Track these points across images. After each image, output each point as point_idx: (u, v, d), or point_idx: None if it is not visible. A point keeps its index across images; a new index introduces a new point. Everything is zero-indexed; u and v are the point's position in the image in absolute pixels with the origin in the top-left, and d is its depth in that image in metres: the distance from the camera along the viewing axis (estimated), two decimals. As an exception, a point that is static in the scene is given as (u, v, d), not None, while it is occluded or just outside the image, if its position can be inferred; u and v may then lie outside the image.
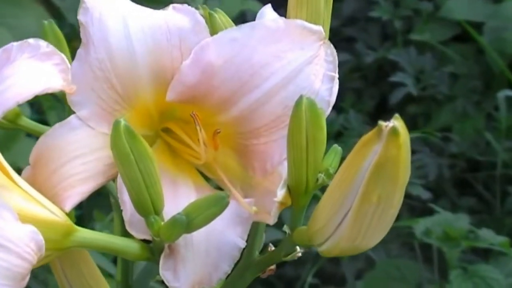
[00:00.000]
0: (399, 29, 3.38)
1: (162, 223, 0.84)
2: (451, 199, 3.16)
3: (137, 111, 0.96)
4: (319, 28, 0.93)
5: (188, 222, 0.82)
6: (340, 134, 3.18)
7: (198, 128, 0.93)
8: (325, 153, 0.89)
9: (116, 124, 0.81)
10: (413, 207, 3.05)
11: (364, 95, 3.47)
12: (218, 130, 0.94)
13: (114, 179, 0.95)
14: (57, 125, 0.93)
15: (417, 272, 2.64)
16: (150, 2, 1.15)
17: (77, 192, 0.91)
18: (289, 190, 0.87)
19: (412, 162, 3.24)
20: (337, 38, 3.59)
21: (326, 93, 0.93)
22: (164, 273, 0.88)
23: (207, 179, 1.00)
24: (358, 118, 3.22)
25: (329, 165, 0.87)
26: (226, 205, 0.82)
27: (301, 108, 0.83)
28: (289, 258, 0.93)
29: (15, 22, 2.59)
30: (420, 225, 2.52)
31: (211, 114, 0.96)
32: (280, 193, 0.87)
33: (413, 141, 3.01)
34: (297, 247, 0.92)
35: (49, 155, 0.92)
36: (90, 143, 0.93)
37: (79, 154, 0.92)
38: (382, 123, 0.72)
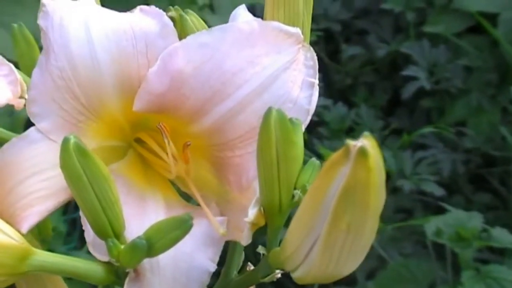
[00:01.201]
0: (411, 22, 3.29)
1: (122, 247, 0.77)
2: (466, 195, 3.08)
3: (105, 121, 0.89)
4: (296, 30, 0.86)
5: (148, 246, 0.75)
6: (352, 130, 3.11)
7: (166, 140, 0.86)
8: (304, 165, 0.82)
9: (65, 142, 0.75)
10: (427, 204, 2.97)
11: (376, 89, 3.39)
12: (188, 143, 0.87)
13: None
14: (14, 139, 0.87)
15: (430, 272, 2.56)
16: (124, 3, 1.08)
17: (35, 211, 0.84)
18: (263, 209, 0.80)
19: (425, 158, 3.17)
20: (349, 31, 3.52)
21: (304, 101, 0.86)
22: (129, 299, 0.81)
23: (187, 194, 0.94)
24: (370, 113, 3.14)
25: (306, 181, 0.80)
26: (189, 228, 0.76)
27: (270, 122, 0.76)
28: (267, 279, 0.86)
29: (13, 20, 2.51)
30: (431, 225, 2.44)
31: (182, 125, 0.89)
32: (252, 212, 0.80)
33: (426, 136, 2.94)
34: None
35: (5, 172, 0.85)
36: (51, 157, 0.86)
37: (39, 170, 0.85)
38: (349, 142, 0.65)
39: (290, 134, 0.76)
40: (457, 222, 2.38)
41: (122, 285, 0.84)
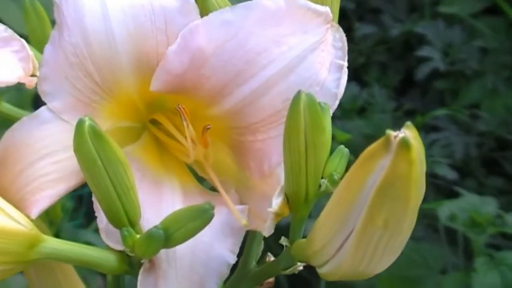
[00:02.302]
0: (427, 1, 3.22)
1: (138, 236, 0.72)
2: (478, 179, 3.03)
3: (119, 101, 0.85)
4: (325, 9, 0.81)
5: (166, 236, 0.71)
6: (364, 110, 3.05)
7: (185, 123, 0.81)
8: (331, 153, 0.77)
9: (79, 124, 0.70)
10: (439, 187, 2.92)
11: (389, 69, 3.33)
12: (208, 126, 0.82)
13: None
14: (24, 118, 0.82)
15: (441, 257, 2.51)
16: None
17: (46, 196, 0.80)
18: (287, 198, 0.75)
19: (438, 140, 3.12)
20: (362, 9, 3.45)
21: (333, 85, 0.80)
22: (143, 291, 0.77)
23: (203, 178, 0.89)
24: (382, 93, 3.08)
25: (334, 170, 0.75)
26: (209, 218, 0.71)
27: (299, 107, 0.71)
28: (288, 272, 0.82)
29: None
30: (444, 209, 2.39)
31: (201, 107, 0.84)
32: (276, 202, 0.75)
33: (439, 118, 2.88)
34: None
35: (15, 154, 0.80)
36: (63, 139, 0.81)
37: (50, 152, 0.81)
38: (390, 132, 0.60)
39: (320, 119, 0.71)
40: (471, 207, 2.33)
41: (135, 275, 0.79)
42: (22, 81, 0.70)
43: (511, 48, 3.12)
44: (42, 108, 0.82)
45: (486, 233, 2.28)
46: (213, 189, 0.87)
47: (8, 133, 0.81)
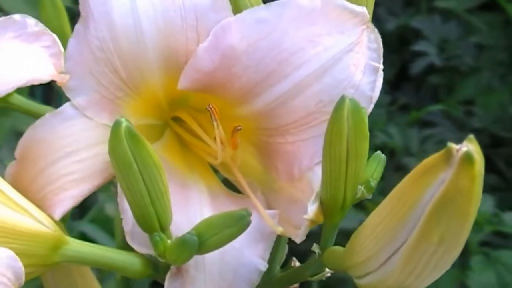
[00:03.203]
0: (423, -5, 3.21)
1: (169, 241, 0.70)
2: (471, 176, 3.01)
3: (143, 98, 0.82)
4: (362, 9, 0.78)
5: (199, 243, 0.68)
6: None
7: (215, 124, 0.78)
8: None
9: (116, 126, 0.67)
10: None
11: (384, 62, 3.28)
12: (239, 127, 0.79)
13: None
14: (48, 114, 0.79)
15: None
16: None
17: (69, 196, 0.77)
18: (322, 204, 0.73)
19: (432, 136, 3.11)
20: (357, 1, 3.43)
21: (367, 87, 0.78)
22: (171, 297, 0.74)
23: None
24: (376, 87, 3.06)
25: (371, 176, 0.73)
26: (246, 226, 0.68)
27: (343, 112, 0.69)
28: (316, 278, 0.80)
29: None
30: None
31: (229, 106, 0.81)
32: (311, 209, 0.73)
33: (433, 113, 2.86)
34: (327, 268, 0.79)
35: (37, 151, 0.77)
36: (87, 136, 0.79)
37: (73, 150, 0.78)
38: (452, 146, 0.57)
39: (364, 126, 0.69)
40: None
41: (160, 279, 0.77)
42: (54, 78, 0.67)
43: (507, 45, 3.11)
44: (66, 105, 0.79)
45: (482, 231, 2.27)
46: (236, 190, 0.85)
47: (30, 130, 0.78)
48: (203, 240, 0.68)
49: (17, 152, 0.78)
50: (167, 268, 0.75)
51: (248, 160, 0.84)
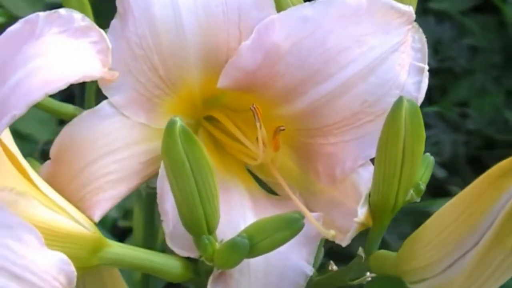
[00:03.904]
0: (417, -4, 3.19)
1: (217, 245, 0.68)
2: (465, 178, 3.02)
3: (180, 96, 0.80)
4: (409, 8, 0.77)
5: (250, 246, 0.66)
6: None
7: (258, 124, 0.76)
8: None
9: (170, 125, 0.65)
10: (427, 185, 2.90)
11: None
12: (282, 127, 0.77)
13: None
14: (85, 113, 0.76)
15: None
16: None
17: (108, 197, 0.75)
18: (370, 207, 0.71)
19: (427, 137, 3.09)
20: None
21: (412, 88, 0.77)
22: (214, 300, 0.72)
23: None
24: (370, 88, 3.05)
25: (420, 179, 0.72)
26: (299, 229, 0.67)
27: (401, 113, 0.67)
28: (357, 282, 0.78)
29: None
30: (438, 207, 2.37)
31: (270, 106, 0.79)
32: (362, 211, 0.71)
33: (428, 115, 2.85)
34: (368, 272, 0.77)
35: (74, 150, 0.75)
36: (125, 136, 0.77)
37: (112, 150, 0.76)
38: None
39: (420, 127, 0.67)
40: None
41: (201, 284, 0.75)
42: (104, 75, 0.64)
43: (501, 47, 3.10)
44: (103, 103, 0.77)
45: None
46: (272, 192, 0.83)
47: (66, 128, 0.76)
48: (254, 243, 0.66)
49: (53, 152, 0.76)
50: (208, 272, 0.73)
51: (285, 162, 0.82)
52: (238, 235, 0.66)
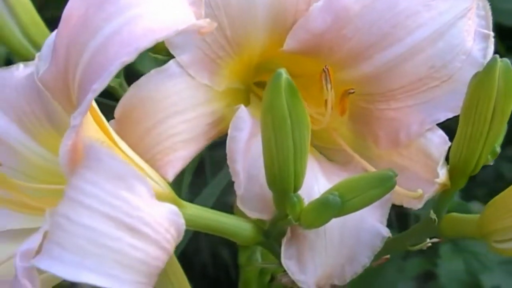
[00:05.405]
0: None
1: (305, 204, 0.67)
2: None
3: (241, 59, 0.79)
4: (475, -25, 0.77)
5: (341, 204, 0.65)
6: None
7: (328, 86, 0.76)
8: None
9: (276, 77, 0.63)
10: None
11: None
12: (352, 90, 0.77)
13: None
14: (153, 71, 0.75)
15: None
16: None
17: (179, 156, 0.73)
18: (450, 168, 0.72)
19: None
20: None
21: (479, 54, 0.77)
22: (287, 263, 0.71)
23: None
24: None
25: (496, 142, 0.72)
26: (392, 187, 0.66)
27: (495, 73, 0.67)
28: (416, 248, 0.79)
29: None
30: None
31: (334, 70, 0.79)
32: (442, 172, 0.71)
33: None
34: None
35: (142, 109, 0.73)
36: (191, 96, 0.75)
37: (179, 110, 0.74)
38: None
39: (512, 88, 0.67)
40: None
41: (269, 247, 0.74)
42: (205, 26, 0.62)
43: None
44: (171, 62, 0.75)
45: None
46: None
47: (134, 88, 0.74)
48: (344, 201, 0.66)
49: (118, 111, 0.74)
50: (278, 234, 0.73)
51: (339, 128, 0.82)
52: (330, 193, 0.66)
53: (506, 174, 2.83)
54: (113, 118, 0.73)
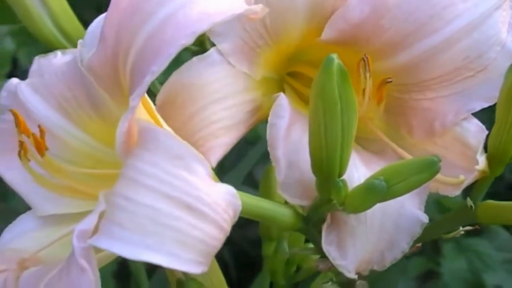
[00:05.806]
0: None
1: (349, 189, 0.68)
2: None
3: (278, 49, 0.80)
4: (511, -33, 0.78)
5: (386, 189, 0.66)
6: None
7: (366, 75, 0.77)
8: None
9: (328, 61, 0.64)
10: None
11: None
12: (389, 79, 0.78)
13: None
14: (194, 59, 0.76)
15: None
16: None
17: (220, 143, 0.74)
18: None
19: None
20: None
21: (513, 46, 0.79)
22: (328, 248, 0.72)
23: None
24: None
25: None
26: (437, 172, 0.67)
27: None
28: (451, 236, 0.80)
29: None
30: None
31: (371, 60, 0.79)
32: (481, 159, 0.73)
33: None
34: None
35: (185, 96, 0.74)
36: (231, 83, 0.76)
37: (220, 97, 0.75)
38: None
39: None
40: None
41: (308, 233, 0.75)
42: (256, 14, 0.63)
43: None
44: (212, 50, 0.76)
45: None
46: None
47: (176, 74, 0.75)
48: (390, 185, 0.67)
49: (160, 97, 0.75)
50: (318, 221, 0.74)
51: (373, 117, 0.83)
52: (375, 178, 0.67)
53: (506, 174, 2.85)
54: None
